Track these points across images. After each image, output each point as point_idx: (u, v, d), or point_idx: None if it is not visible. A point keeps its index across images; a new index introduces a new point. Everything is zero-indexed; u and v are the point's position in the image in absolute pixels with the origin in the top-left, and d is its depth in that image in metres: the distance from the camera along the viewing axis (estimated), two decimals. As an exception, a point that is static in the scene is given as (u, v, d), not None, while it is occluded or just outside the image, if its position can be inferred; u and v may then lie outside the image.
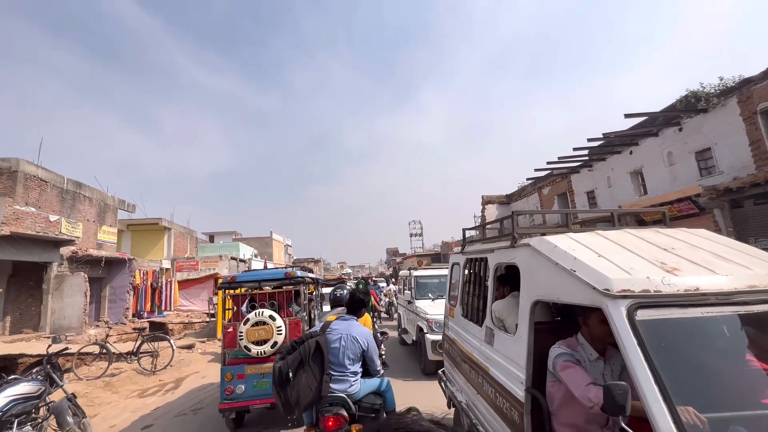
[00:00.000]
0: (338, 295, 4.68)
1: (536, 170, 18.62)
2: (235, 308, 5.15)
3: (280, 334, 4.50)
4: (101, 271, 14.53)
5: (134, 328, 11.19)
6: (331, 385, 2.91)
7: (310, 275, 5.67)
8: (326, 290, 7.94)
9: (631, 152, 13.88)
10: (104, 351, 8.12)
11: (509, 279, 3.01)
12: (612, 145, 14.41)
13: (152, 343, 8.54)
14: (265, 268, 17.24)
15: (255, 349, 4.42)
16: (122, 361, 8.22)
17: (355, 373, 3.09)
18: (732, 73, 10.70)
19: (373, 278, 44.28)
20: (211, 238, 41.65)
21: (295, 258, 76.02)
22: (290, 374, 2.77)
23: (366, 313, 4.03)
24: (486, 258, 3.00)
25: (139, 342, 8.44)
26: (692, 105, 11.03)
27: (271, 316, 4.52)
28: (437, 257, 42.84)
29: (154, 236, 25.15)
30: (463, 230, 3.90)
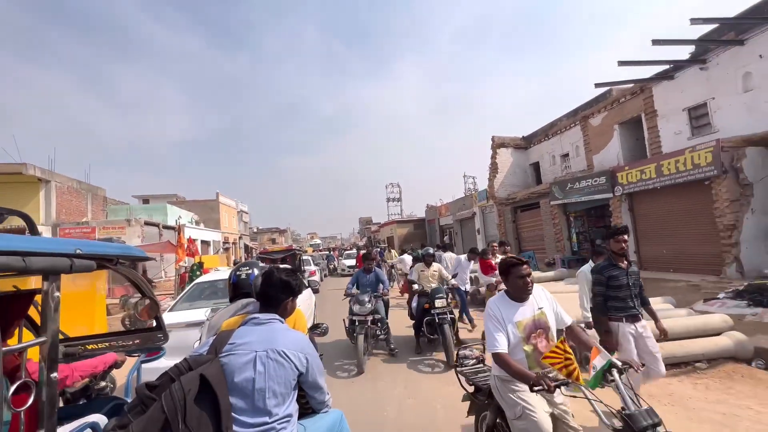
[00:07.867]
0: (243, 277, 2.24)
1: (597, 85, 12.11)
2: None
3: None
4: None
5: None
6: None
7: None
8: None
9: (820, 12, 7.58)
10: None
11: None
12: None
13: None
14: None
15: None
16: None
17: (287, 420, 1.48)
18: None
19: (339, 250, 37.58)
20: (146, 202, 34.84)
21: (259, 227, 68.50)
22: None
23: (297, 308, 1.97)
24: None
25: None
26: None
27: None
28: (421, 223, 36.91)
29: (21, 191, 17.39)
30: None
